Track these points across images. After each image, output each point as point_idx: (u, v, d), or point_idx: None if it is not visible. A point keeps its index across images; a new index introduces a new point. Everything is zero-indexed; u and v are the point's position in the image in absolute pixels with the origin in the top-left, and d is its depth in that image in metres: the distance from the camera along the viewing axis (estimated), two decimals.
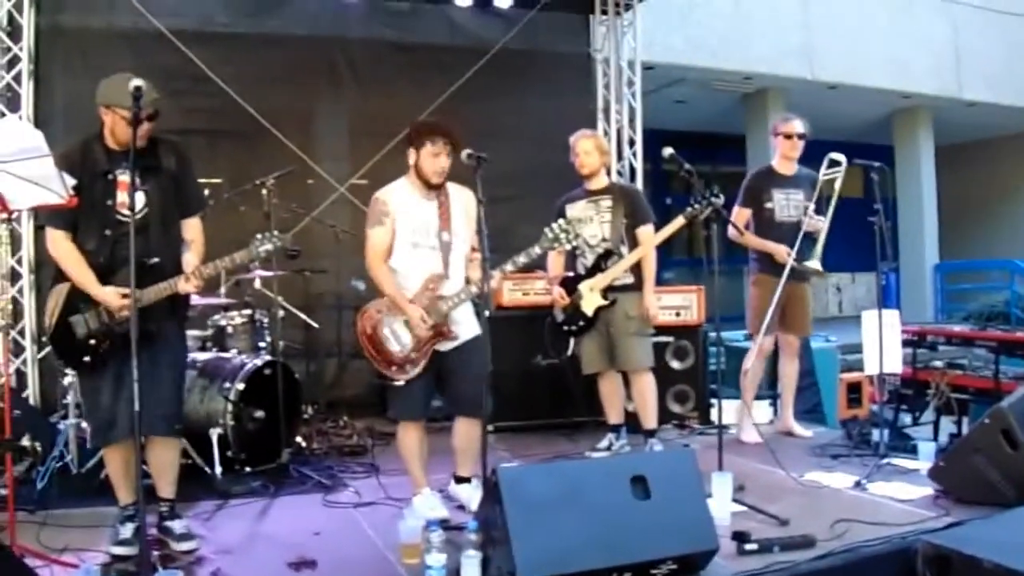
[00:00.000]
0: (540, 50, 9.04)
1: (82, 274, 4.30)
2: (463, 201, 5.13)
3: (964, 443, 5.35)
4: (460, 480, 5.25)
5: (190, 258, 4.49)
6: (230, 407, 5.81)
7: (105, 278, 4.31)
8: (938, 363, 6.80)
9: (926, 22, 14.72)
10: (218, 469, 5.70)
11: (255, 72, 8.07)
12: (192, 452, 5.76)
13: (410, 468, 5.13)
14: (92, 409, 4.58)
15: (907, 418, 7.11)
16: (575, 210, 6.27)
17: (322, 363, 8.09)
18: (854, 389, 7.74)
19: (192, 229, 4.62)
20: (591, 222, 6.21)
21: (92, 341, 4.36)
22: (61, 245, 4.31)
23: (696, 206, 5.64)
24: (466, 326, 5.03)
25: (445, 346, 5.00)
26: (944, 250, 16.26)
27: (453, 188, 5.12)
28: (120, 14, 7.76)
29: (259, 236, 4.43)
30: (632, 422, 6.47)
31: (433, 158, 4.95)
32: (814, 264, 6.43)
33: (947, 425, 6.70)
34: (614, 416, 6.44)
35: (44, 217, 4.49)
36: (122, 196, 4.30)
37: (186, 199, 4.61)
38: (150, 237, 4.34)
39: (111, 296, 4.27)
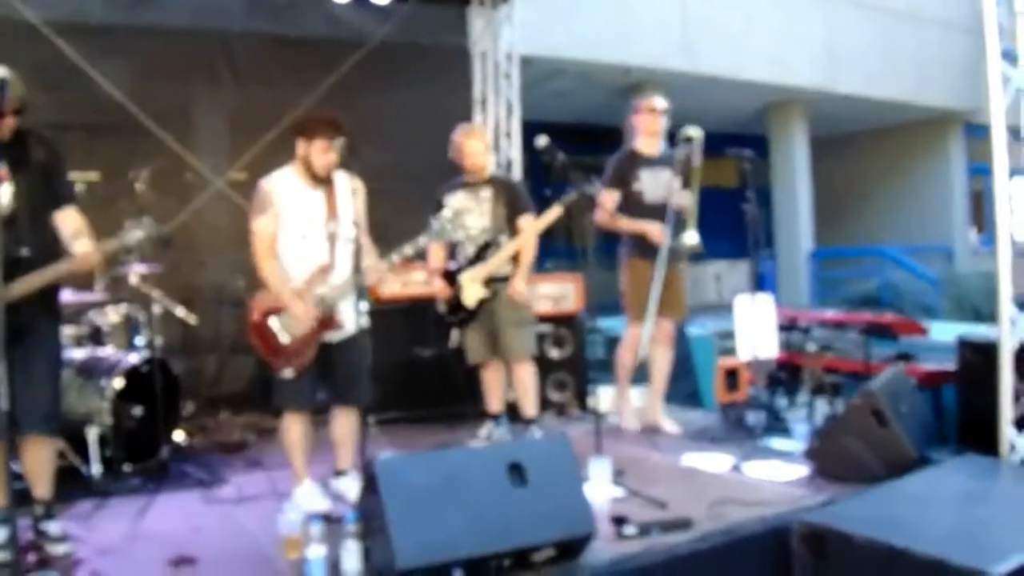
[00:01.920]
0: (418, 43, 9.00)
1: None
2: (349, 188, 5.09)
3: (836, 423, 5.52)
4: (340, 473, 5.24)
5: (84, 242, 4.34)
6: (107, 404, 5.69)
7: None
8: (811, 347, 6.96)
9: (802, 17, 15.03)
10: (96, 468, 5.59)
11: (133, 65, 7.86)
12: (68, 451, 5.64)
13: (293, 460, 5.10)
14: None
15: (783, 401, 7.26)
16: (455, 201, 6.26)
17: (202, 359, 7.97)
18: (731, 374, 7.87)
19: (71, 220, 4.44)
20: (471, 213, 6.21)
21: None
22: None
23: (572, 194, 5.70)
24: (352, 317, 5.00)
25: (332, 337, 4.98)
26: (820, 238, 16.63)
27: (339, 176, 5.06)
28: None
29: (129, 222, 4.36)
30: (513, 411, 6.51)
31: (323, 153, 4.91)
32: (690, 239, 6.37)
33: (821, 407, 6.86)
34: (495, 405, 6.48)
35: None
36: None
37: (57, 192, 4.47)
38: (19, 231, 4.21)
39: None
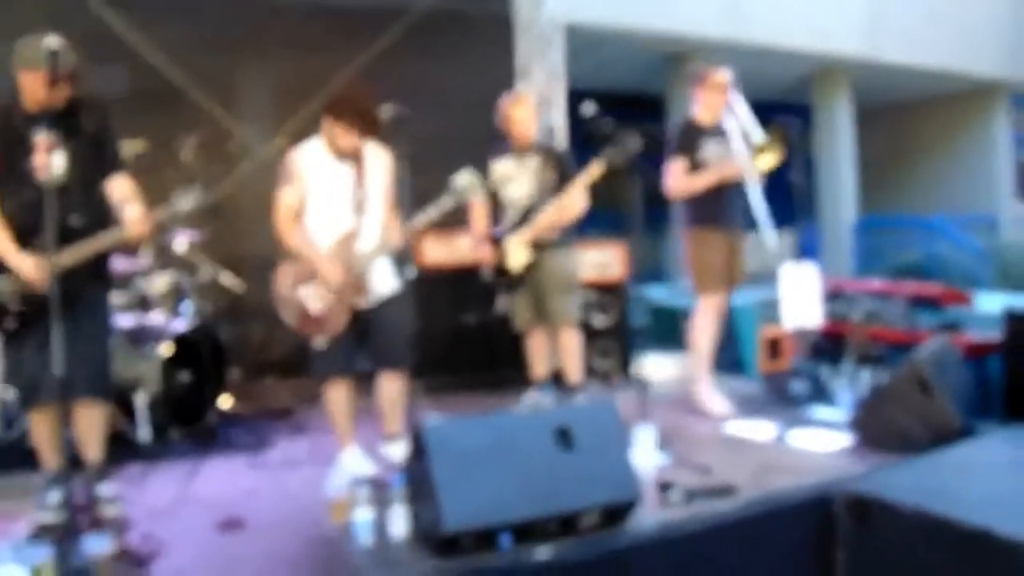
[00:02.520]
0: (462, 11, 8.97)
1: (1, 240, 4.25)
2: (380, 160, 5.13)
3: (881, 393, 5.48)
4: (387, 438, 5.24)
5: (134, 208, 4.39)
6: (155, 371, 5.77)
7: (25, 241, 4.25)
8: (856, 316, 6.93)
9: None
10: (144, 433, 5.68)
11: (178, 35, 7.92)
12: (117, 417, 5.71)
13: (336, 425, 5.13)
14: (15, 374, 4.59)
15: (827, 371, 7.23)
16: (501, 167, 6.27)
17: (247, 326, 8.04)
18: (774, 343, 7.83)
19: (121, 188, 4.50)
20: (518, 180, 6.22)
21: (11, 307, 4.30)
22: None
23: (615, 150, 5.64)
24: (384, 282, 5.05)
25: (364, 303, 4.99)
26: (864, 208, 16.49)
27: (370, 148, 5.10)
28: None
29: (179, 190, 4.41)
30: (557, 378, 6.51)
31: (346, 135, 4.93)
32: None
33: (865, 377, 6.83)
34: (540, 371, 6.48)
35: None
36: (41, 158, 4.19)
37: (108, 160, 4.52)
38: (71, 199, 4.26)
39: (27, 268, 4.22)
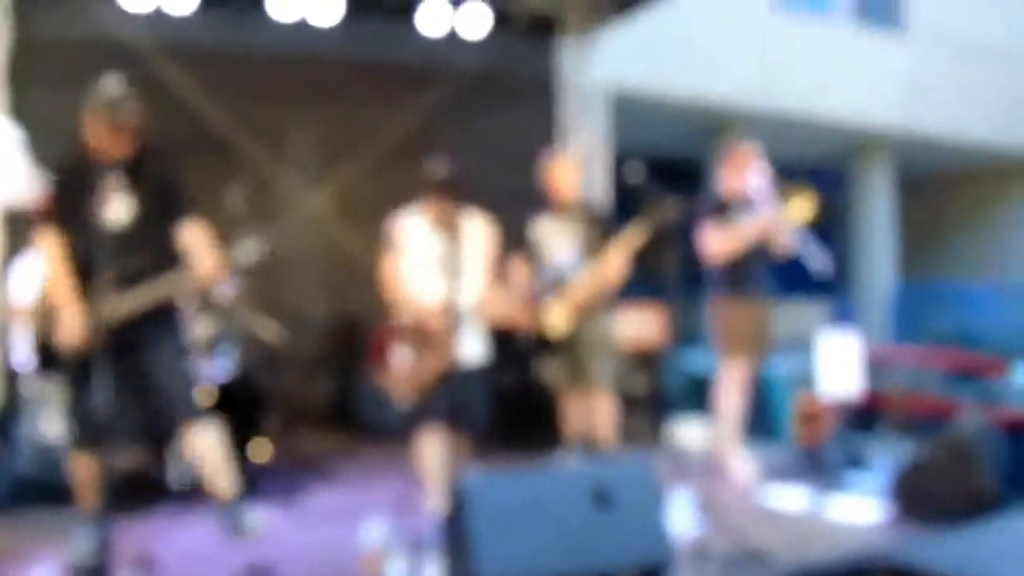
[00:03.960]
0: (507, 73, 9.07)
1: (59, 285, 4.31)
2: (479, 230, 5.36)
3: (920, 464, 5.45)
4: None
5: (205, 257, 4.48)
6: None
7: (86, 286, 4.29)
8: (893, 385, 6.89)
9: (883, 56, 14.92)
10: (177, 477, 5.71)
11: (227, 89, 8.06)
12: (151, 460, 5.76)
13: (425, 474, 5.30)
14: (70, 413, 4.56)
15: (863, 440, 7.19)
16: (541, 227, 6.29)
17: (283, 376, 8.09)
18: (811, 414, 7.76)
19: (191, 234, 4.55)
20: (558, 241, 6.22)
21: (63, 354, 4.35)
22: (48, 247, 4.30)
23: (657, 211, 5.68)
24: (474, 350, 5.35)
25: (454, 367, 5.19)
26: (905, 276, 16.45)
27: (470, 217, 5.35)
28: (96, 25, 7.75)
29: (240, 239, 4.49)
30: (589, 443, 6.48)
31: (439, 205, 5.24)
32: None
33: (903, 447, 6.78)
34: (573, 433, 6.46)
35: (38, 217, 4.49)
36: (108, 204, 4.28)
37: (175, 207, 4.56)
38: (136, 246, 4.34)
39: (69, 324, 4.26)
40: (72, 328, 4.25)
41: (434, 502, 5.17)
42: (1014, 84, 16.39)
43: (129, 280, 4.25)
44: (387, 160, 8.36)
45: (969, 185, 18.80)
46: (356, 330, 7.93)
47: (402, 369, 5.17)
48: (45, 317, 4.53)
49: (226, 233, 4.76)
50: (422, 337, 5.16)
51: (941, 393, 6.62)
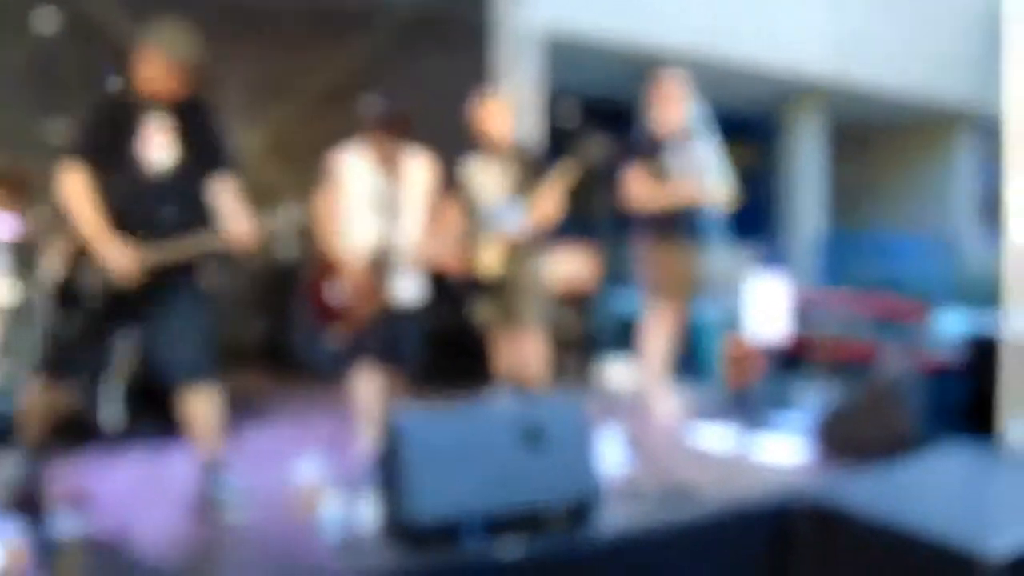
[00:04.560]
0: (439, 15, 9.01)
1: (90, 222, 4.11)
2: (420, 168, 5.41)
3: (843, 405, 5.58)
4: None
5: (240, 219, 4.34)
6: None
7: (122, 233, 4.14)
8: (820, 329, 7.01)
9: (815, 3, 14.98)
10: (109, 417, 5.73)
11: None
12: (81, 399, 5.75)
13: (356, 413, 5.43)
14: (51, 339, 4.41)
15: (789, 381, 7.31)
16: (471, 168, 6.27)
17: (215, 315, 8.08)
18: (740, 358, 7.85)
19: (226, 188, 4.42)
20: (488, 181, 6.21)
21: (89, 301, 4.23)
22: (73, 183, 4.09)
23: (583, 154, 5.70)
24: (407, 291, 5.42)
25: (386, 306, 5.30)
26: (832, 224, 16.63)
27: (410, 155, 5.39)
28: None
29: (285, 204, 4.43)
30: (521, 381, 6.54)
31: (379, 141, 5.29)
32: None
33: (827, 389, 6.91)
34: (503, 372, 6.49)
35: (65, 147, 4.28)
36: (149, 148, 4.19)
37: (217, 158, 4.43)
38: (173, 192, 4.24)
39: (115, 256, 4.09)
40: (117, 261, 4.07)
41: (366, 439, 5.25)
42: (949, 35, 16.52)
43: (161, 227, 4.14)
44: (321, 103, 8.32)
45: (904, 136, 18.98)
46: (287, 271, 7.90)
47: (334, 308, 5.19)
48: (66, 254, 4.33)
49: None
50: (353, 277, 5.18)
51: (865, 337, 6.74)
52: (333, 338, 5.26)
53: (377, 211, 5.26)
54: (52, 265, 4.36)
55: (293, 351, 7.75)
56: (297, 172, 7.54)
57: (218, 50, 8.28)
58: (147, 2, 7.71)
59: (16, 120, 6.63)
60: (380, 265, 5.21)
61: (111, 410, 5.69)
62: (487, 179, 6.20)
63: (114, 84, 4.31)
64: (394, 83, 8.03)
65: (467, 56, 9.20)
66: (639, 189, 6.32)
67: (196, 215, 4.31)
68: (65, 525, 3.65)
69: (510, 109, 6.38)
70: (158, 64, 4.17)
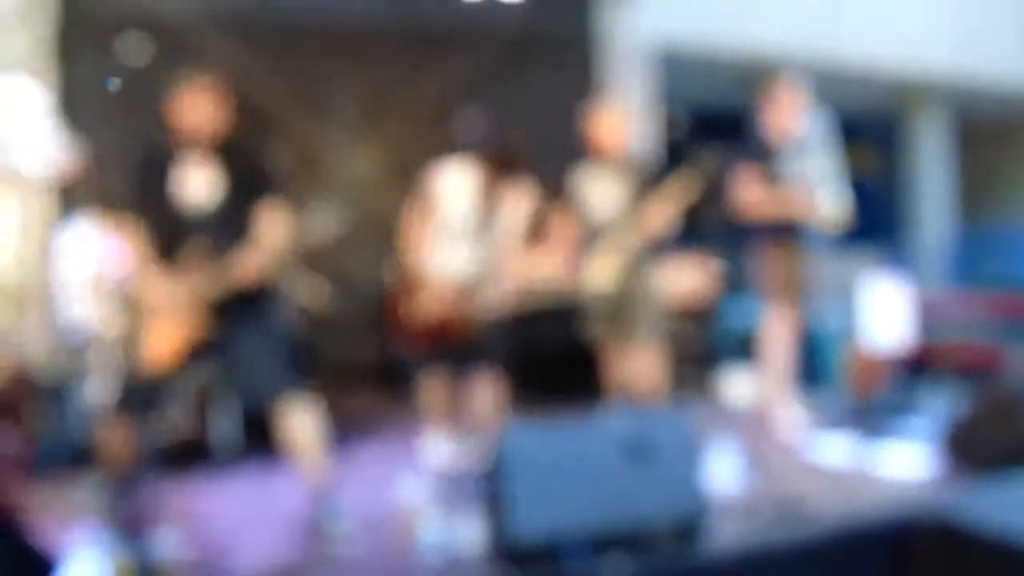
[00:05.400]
0: (546, 32, 9.02)
1: (153, 277, 4.24)
2: (515, 200, 5.54)
3: (968, 414, 5.38)
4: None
5: (257, 248, 4.35)
6: None
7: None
8: (947, 334, 6.80)
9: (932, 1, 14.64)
10: (218, 440, 5.89)
11: (267, 58, 8.09)
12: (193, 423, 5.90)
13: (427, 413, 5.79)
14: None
15: (915, 390, 7.11)
16: (583, 178, 6.22)
17: (329, 337, 8.18)
18: (864, 364, 7.67)
19: (264, 217, 4.41)
20: (600, 192, 6.15)
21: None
22: (132, 236, 4.20)
23: (698, 167, 5.62)
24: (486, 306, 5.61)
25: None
26: (961, 223, 16.22)
27: (511, 181, 5.61)
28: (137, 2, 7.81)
29: (314, 204, 4.44)
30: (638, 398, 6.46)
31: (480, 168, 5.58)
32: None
33: (955, 397, 6.70)
34: (621, 390, 6.43)
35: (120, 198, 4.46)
36: (192, 185, 4.27)
37: (263, 190, 4.44)
38: (224, 229, 4.29)
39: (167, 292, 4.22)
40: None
41: (435, 447, 5.64)
42: None
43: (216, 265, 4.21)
44: (429, 124, 8.36)
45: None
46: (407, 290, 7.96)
47: (415, 323, 5.52)
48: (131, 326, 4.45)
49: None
50: (435, 295, 5.41)
51: (993, 341, 6.51)
52: (409, 350, 5.65)
53: (470, 232, 5.35)
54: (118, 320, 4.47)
55: (403, 373, 7.79)
56: (408, 193, 7.62)
57: (326, 76, 8.52)
58: (248, 25, 7.95)
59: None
60: (466, 285, 5.38)
61: (223, 433, 5.78)
62: (599, 191, 6.15)
63: (155, 132, 4.37)
64: (502, 99, 8.07)
65: (575, 70, 9.20)
66: (750, 195, 6.19)
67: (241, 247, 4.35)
68: (169, 546, 3.70)
69: (623, 120, 6.31)
70: (194, 111, 4.26)
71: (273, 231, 4.40)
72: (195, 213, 4.25)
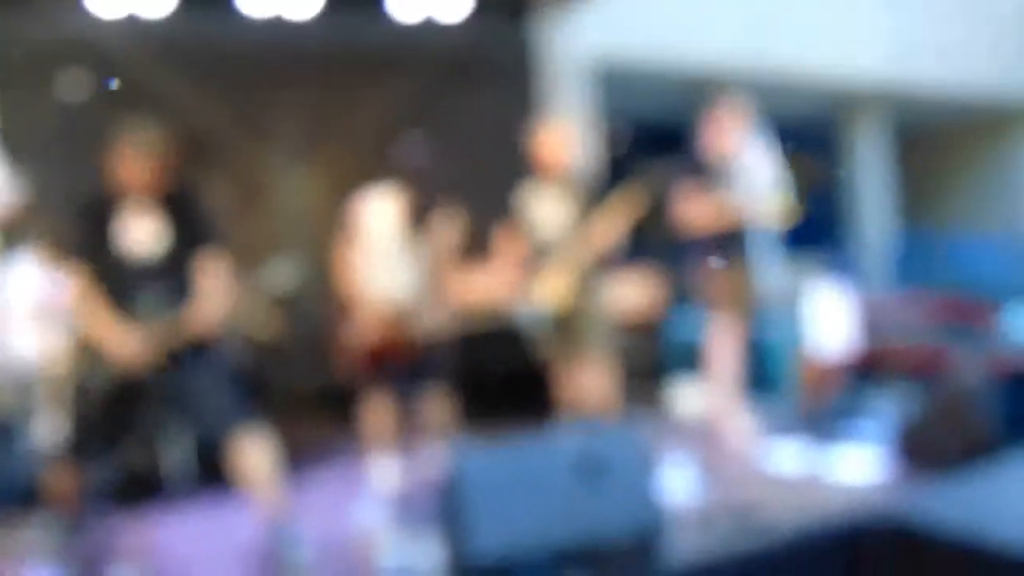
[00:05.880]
0: (486, 52, 9.04)
1: (99, 316, 4.22)
2: (441, 221, 5.56)
3: (919, 414, 5.44)
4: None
5: (204, 300, 4.38)
6: None
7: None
8: (892, 336, 6.86)
9: (869, 9, 14.81)
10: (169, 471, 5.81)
11: (205, 86, 8.06)
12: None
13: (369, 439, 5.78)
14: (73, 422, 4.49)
15: (863, 392, 7.17)
16: (528, 196, 6.24)
17: (276, 363, 8.16)
18: (813, 371, 7.70)
19: (206, 267, 4.46)
20: (546, 209, 6.18)
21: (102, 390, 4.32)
22: (77, 282, 4.16)
23: (643, 181, 5.65)
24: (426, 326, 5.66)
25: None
26: (899, 226, 16.38)
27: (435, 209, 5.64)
28: (70, 32, 7.75)
29: (272, 261, 4.44)
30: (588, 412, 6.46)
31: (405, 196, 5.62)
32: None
33: (903, 398, 6.77)
34: (572, 405, 6.44)
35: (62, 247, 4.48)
36: (134, 234, 4.27)
37: (204, 238, 4.48)
38: (165, 277, 4.31)
39: (127, 344, 4.19)
40: (130, 349, 4.20)
41: (378, 468, 5.64)
42: (1009, 29, 16.23)
43: (147, 312, 4.24)
44: (369, 147, 8.35)
45: (969, 136, 18.68)
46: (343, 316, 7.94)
47: (353, 348, 5.66)
48: (80, 355, 4.41)
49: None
50: (370, 320, 5.53)
51: (938, 343, 6.59)
52: (353, 374, 5.75)
53: (399, 256, 5.49)
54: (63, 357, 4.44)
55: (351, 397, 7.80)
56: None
57: (264, 102, 8.50)
58: (187, 54, 7.93)
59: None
60: (403, 307, 5.52)
61: (175, 466, 5.73)
62: (546, 209, 6.17)
63: (97, 178, 4.35)
64: (440, 124, 8.08)
65: (515, 90, 9.22)
66: (692, 210, 6.23)
67: (183, 298, 4.37)
68: None
69: (566, 137, 6.34)
70: (134, 164, 4.26)
71: (217, 280, 4.44)
72: (139, 262, 4.26)
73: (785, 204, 6.16)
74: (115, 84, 4.30)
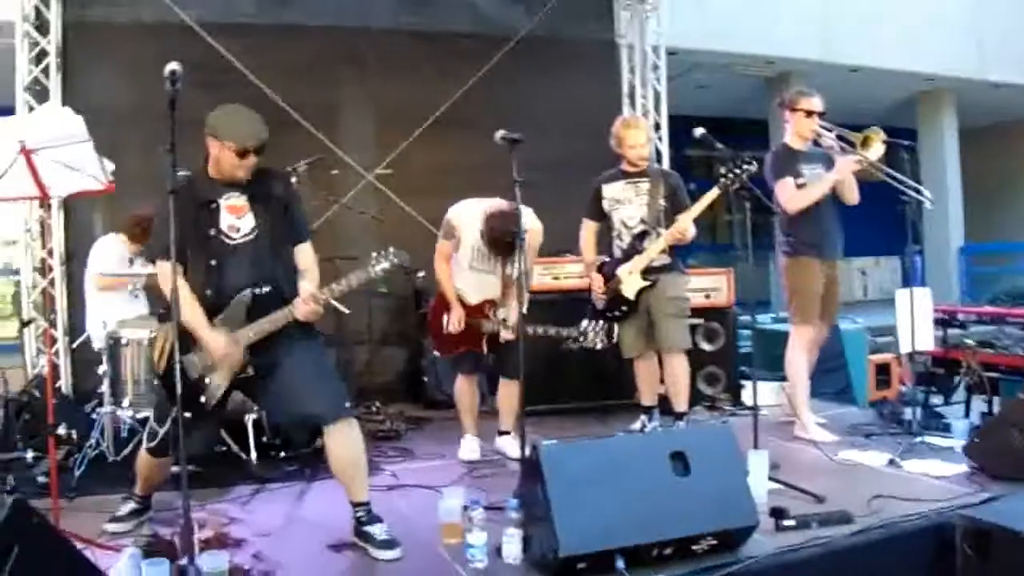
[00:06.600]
0: (564, 36, 9.03)
1: (191, 314, 4.20)
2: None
3: (998, 419, 5.37)
4: (502, 433, 6.21)
5: (306, 285, 4.38)
6: None
7: (214, 312, 4.27)
8: (968, 342, 6.78)
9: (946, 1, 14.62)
10: (253, 455, 5.83)
11: (280, 63, 8.10)
12: (228, 439, 5.89)
13: (461, 415, 6.20)
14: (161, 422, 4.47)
15: (937, 398, 7.09)
16: (613, 191, 6.26)
17: (352, 350, 8.12)
18: (882, 371, 7.65)
19: (305, 256, 4.50)
20: (629, 204, 6.20)
21: (207, 381, 4.34)
22: (171, 279, 3.95)
23: (730, 175, 5.58)
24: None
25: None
26: (969, 233, 16.14)
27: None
28: (145, 7, 7.82)
29: (375, 254, 4.39)
30: (662, 404, 6.46)
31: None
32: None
33: (978, 404, 6.69)
34: (648, 397, 6.42)
35: (154, 250, 4.47)
36: (228, 219, 4.29)
37: (295, 226, 4.50)
38: (261, 262, 4.33)
39: (216, 345, 4.23)
40: (218, 349, 4.24)
41: (470, 436, 6.15)
42: None
43: (254, 301, 4.28)
44: (446, 129, 8.37)
45: None
46: (421, 304, 7.93)
47: (447, 336, 6.00)
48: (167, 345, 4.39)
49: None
50: (460, 313, 5.95)
51: (1017, 349, 6.50)
52: (442, 356, 6.29)
53: (487, 263, 5.87)
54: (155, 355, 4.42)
55: (429, 383, 7.83)
56: (427, 200, 7.65)
57: (341, 81, 8.53)
58: (262, 36, 8.00)
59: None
60: (486, 304, 5.97)
61: (253, 449, 5.78)
62: (626, 201, 6.18)
63: (184, 175, 4.24)
64: (520, 106, 8.08)
65: (595, 77, 9.22)
66: (791, 194, 6.21)
67: (282, 284, 4.40)
68: (212, 563, 3.67)
69: (648, 131, 6.34)
70: (220, 150, 4.23)
71: (313, 265, 4.49)
72: (231, 245, 4.28)
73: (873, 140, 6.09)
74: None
